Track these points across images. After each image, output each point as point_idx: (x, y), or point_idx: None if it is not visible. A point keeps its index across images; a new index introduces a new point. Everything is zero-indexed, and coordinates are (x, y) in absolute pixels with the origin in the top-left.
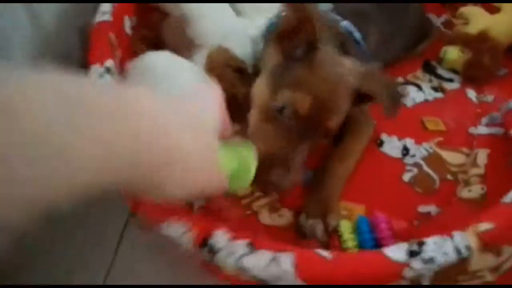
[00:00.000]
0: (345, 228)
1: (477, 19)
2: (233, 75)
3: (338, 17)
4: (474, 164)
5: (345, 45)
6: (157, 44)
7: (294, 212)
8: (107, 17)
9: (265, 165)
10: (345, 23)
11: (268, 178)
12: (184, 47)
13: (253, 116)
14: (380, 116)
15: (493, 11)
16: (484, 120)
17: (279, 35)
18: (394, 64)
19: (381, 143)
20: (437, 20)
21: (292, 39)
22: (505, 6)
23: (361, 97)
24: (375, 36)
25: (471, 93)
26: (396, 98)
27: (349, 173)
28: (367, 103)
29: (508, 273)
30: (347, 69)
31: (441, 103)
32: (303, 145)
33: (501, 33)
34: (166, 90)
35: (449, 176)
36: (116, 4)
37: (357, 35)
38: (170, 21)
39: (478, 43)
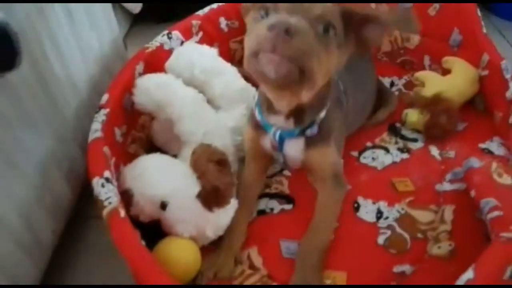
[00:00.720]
0: None
1: (431, 82)
2: (215, 169)
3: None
4: (442, 220)
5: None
6: (148, 142)
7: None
8: (99, 134)
9: None
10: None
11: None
12: (172, 143)
13: None
14: (356, 180)
15: (445, 73)
16: (448, 176)
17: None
18: (360, 131)
19: (357, 207)
20: (399, 82)
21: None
22: (456, 68)
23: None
24: (350, 103)
25: (434, 151)
26: (398, 15)
27: (327, 242)
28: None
29: None
30: None
31: (407, 163)
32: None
33: (454, 93)
34: (158, 189)
35: (419, 235)
36: (105, 119)
37: (341, 86)
38: (159, 122)
39: (434, 105)
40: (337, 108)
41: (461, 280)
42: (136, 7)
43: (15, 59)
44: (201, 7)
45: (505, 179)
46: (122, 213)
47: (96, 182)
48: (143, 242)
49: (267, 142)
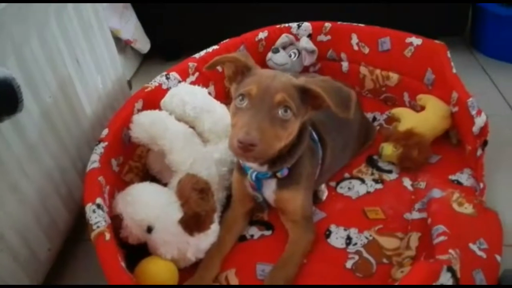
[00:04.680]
0: None
1: (406, 118)
2: (197, 196)
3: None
4: (407, 247)
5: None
6: (144, 170)
7: None
8: (96, 165)
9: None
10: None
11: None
12: (165, 172)
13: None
14: (331, 209)
15: (420, 110)
16: (416, 205)
17: (229, 79)
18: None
19: (328, 234)
20: (380, 117)
21: (236, 76)
22: (429, 105)
23: (310, 99)
24: (330, 147)
25: (407, 182)
26: (343, 97)
27: (293, 276)
28: (319, 108)
29: None
30: (287, 75)
31: (381, 193)
32: (263, 116)
33: (427, 128)
34: (145, 214)
35: (384, 260)
36: (103, 151)
37: (315, 136)
38: (154, 152)
39: (406, 139)
40: (309, 156)
41: None
42: (145, 47)
43: (18, 106)
44: (206, 46)
45: (465, 208)
46: (108, 236)
47: (89, 207)
48: (123, 264)
49: (248, 183)
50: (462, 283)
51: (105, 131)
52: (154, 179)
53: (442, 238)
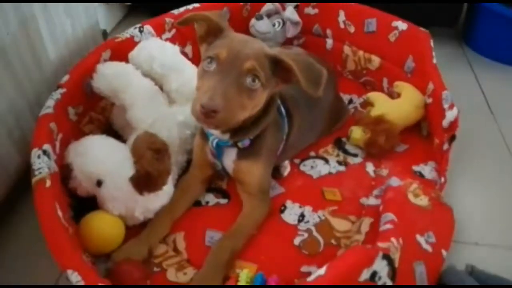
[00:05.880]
0: (244, 276)
1: (379, 103)
2: (151, 156)
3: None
4: (358, 231)
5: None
6: (107, 124)
7: (198, 270)
8: (50, 110)
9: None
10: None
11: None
12: (128, 128)
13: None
14: (291, 185)
15: (397, 97)
16: (375, 191)
17: (200, 39)
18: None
19: (283, 210)
20: (357, 100)
21: (207, 36)
22: (404, 93)
23: (281, 71)
24: (297, 125)
25: (370, 167)
26: (314, 74)
27: (240, 247)
28: (289, 82)
29: None
30: (261, 43)
31: (342, 175)
32: (230, 83)
33: (398, 116)
34: (96, 167)
35: (333, 241)
36: (60, 98)
37: (283, 110)
38: (118, 107)
39: (375, 125)
40: (274, 129)
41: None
42: None
43: None
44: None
45: (420, 200)
46: (48, 183)
47: (34, 152)
48: (60, 213)
49: (208, 149)
50: (400, 273)
51: (66, 77)
52: (117, 134)
53: (388, 226)
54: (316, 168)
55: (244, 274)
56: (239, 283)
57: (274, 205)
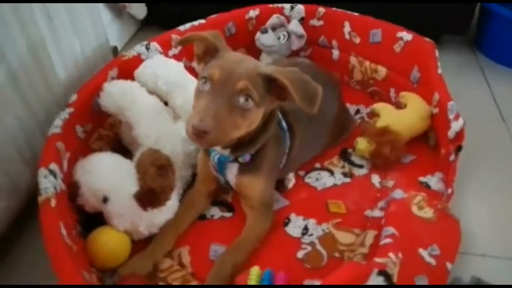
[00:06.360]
0: (254, 275)
1: (384, 114)
2: (155, 172)
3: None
4: (362, 244)
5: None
6: (116, 140)
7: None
8: (57, 130)
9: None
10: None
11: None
12: (135, 145)
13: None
14: (295, 198)
15: (404, 107)
16: (380, 203)
17: (198, 58)
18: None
19: (287, 223)
20: (364, 110)
21: (205, 56)
22: (410, 103)
23: (276, 89)
24: (299, 138)
25: (376, 179)
26: (309, 92)
27: (242, 261)
28: (284, 100)
29: None
30: (255, 62)
31: (347, 187)
32: (222, 103)
33: (403, 127)
34: (102, 184)
35: (336, 254)
36: (68, 117)
37: (284, 125)
38: (126, 123)
39: (380, 136)
40: (274, 144)
41: None
42: (141, 13)
43: None
44: (204, 15)
45: (425, 212)
46: (53, 203)
47: (41, 172)
48: (64, 232)
49: (211, 164)
50: None
51: (74, 97)
52: (126, 149)
53: (388, 240)
54: (321, 180)
55: (255, 269)
56: (249, 279)
57: (278, 218)
